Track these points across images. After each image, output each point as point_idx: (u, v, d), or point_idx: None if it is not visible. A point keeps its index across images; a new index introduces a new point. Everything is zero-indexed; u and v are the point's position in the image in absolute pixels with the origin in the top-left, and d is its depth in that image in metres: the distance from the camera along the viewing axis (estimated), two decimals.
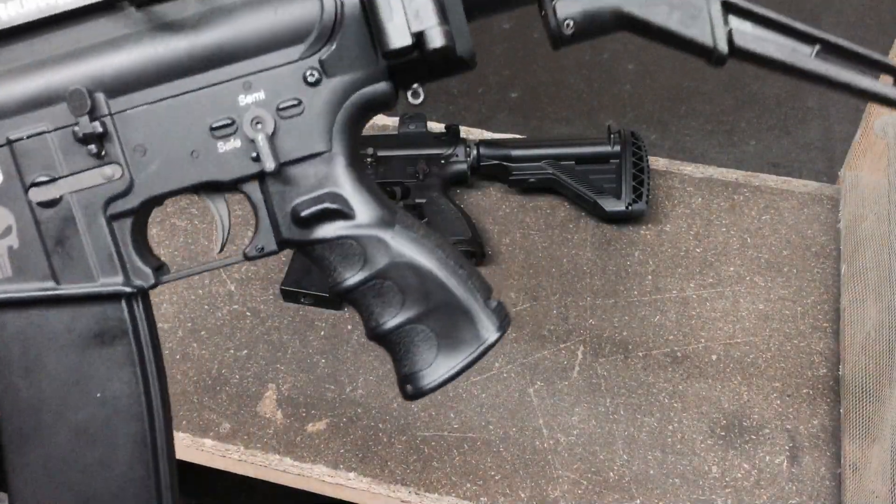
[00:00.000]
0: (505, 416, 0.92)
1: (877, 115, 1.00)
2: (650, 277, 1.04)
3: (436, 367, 0.53)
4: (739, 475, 0.87)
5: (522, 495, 0.86)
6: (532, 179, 1.10)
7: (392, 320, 0.53)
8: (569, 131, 1.89)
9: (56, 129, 0.50)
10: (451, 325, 0.53)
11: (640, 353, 0.97)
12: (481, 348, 0.53)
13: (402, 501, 0.87)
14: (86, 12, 0.49)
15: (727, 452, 0.89)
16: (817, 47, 0.51)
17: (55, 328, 0.53)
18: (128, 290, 0.52)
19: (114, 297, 0.52)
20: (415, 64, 0.49)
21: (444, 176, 1.10)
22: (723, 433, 0.90)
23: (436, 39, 0.46)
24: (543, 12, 0.50)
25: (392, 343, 0.54)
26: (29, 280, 0.52)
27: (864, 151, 1.06)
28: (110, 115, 0.50)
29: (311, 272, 1.03)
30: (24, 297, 0.52)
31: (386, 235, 0.52)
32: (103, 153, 0.50)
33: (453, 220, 1.06)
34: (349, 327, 1.01)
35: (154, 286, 0.54)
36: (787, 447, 0.89)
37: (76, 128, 0.49)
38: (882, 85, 0.52)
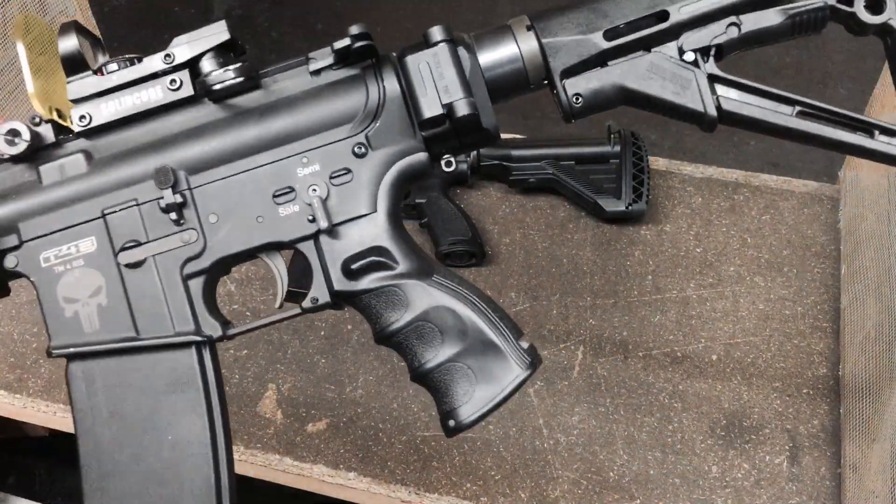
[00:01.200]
0: (505, 416, 0.92)
1: (877, 115, 1.00)
2: (650, 277, 1.04)
3: (474, 402, 0.59)
4: (739, 475, 0.87)
5: (522, 495, 0.86)
6: (532, 179, 1.11)
7: (434, 359, 0.59)
8: (569, 131, 1.89)
9: (144, 203, 0.58)
10: (486, 363, 0.59)
11: (640, 353, 0.97)
12: (514, 383, 0.60)
13: (402, 501, 0.87)
14: (171, 107, 0.58)
15: (727, 452, 0.89)
16: (797, 108, 0.58)
17: (135, 376, 0.59)
18: (198, 338, 0.59)
19: (186, 346, 0.59)
20: (446, 135, 0.58)
21: (444, 176, 1.10)
22: (723, 433, 0.90)
23: (462, 109, 0.56)
24: (555, 91, 0.58)
25: (434, 381, 0.60)
26: (114, 332, 0.58)
27: None
28: (189, 189, 0.58)
29: (311, 272, 1.03)
30: (110, 348, 0.58)
31: (425, 282, 0.59)
32: (182, 220, 0.58)
33: (453, 220, 1.06)
34: (349, 327, 1.01)
35: (222, 338, 0.60)
36: (787, 447, 0.89)
37: (160, 200, 0.57)
38: (858, 137, 0.59)
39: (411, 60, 0.57)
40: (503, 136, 1.17)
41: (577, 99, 0.58)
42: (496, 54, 0.58)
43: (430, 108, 0.56)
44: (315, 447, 0.91)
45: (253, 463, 0.90)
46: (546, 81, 0.58)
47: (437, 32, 0.57)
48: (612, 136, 1.09)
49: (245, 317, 1.02)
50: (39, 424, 1.03)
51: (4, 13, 1.21)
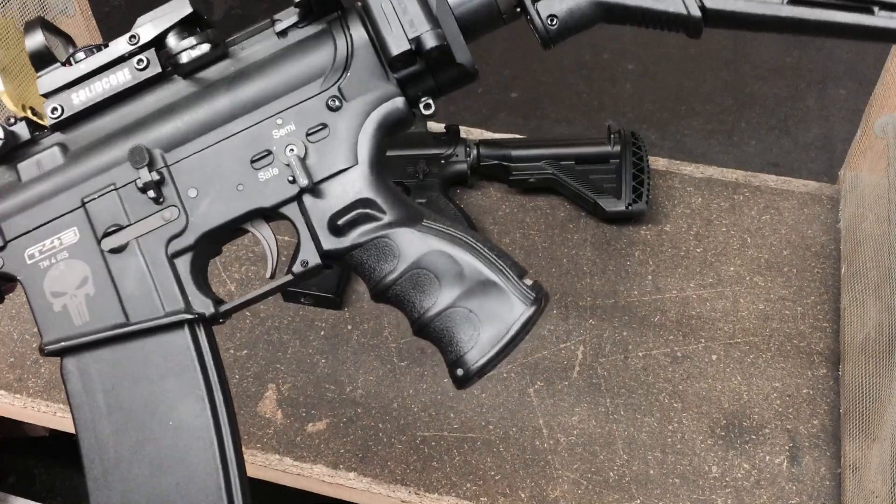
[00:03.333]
0: (505, 416, 0.92)
1: (877, 115, 1.00)
2: (650, 277, 1.04)
3: (481, 346, 0.56)
4: (739, 475, 0.87)
5: (522, 495, 0.86)
6: (532, 179, 1.10)
7: (433, 307, 0.57)
8: (569, 131, 1.89)
9: (123, 186, 0.57)
10: (488, 304, 0.56)
11: (640, 353, 0.97)
12: (520, 322, 0.56)
13: (402, 501, 0.87)
14: (141, 87, 0.57)
15: (727, 452, 0.89)
16: None
17: (129, 364, 0.57)
18: (189, 316, 0.57)
19: (178, 326, 0.57)
20: (420, 74, 0.56)
21: (444, 176, 1.10)
22: (723, 433, 0.90)
23: (430, 40, 0.53)
24: (528, 17, 0.56)
25: (437, 331, 0.57)
26: (104, 321, 0.57)
27: (864, 151, 1.06)
28: (166, 166, 0.57)
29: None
30: (101, 337, 0.57)
31: (415, 228, 0.57)
32: (162, 198, 0.56)
33: (453, 220, 1.06)
34: (349, 327, 1.01)
35: (216, 316, 0.58)
36: (787, 447, 0.89)
37: (137, 180, 0.56)
38: (856, 16, 0.53)
39: (373, 1, 0.55)
40: (503, 136, 1.18)
41: (552, 21, 0.55)
42: None
43: (397, 44, 0.54)
44: (315, 447, 0.91)
45: (253, 463, 0.90)
46: (518, 9, 0.56)
47: None
48: (612, 136, 1.09)
49: (244, 315, 1.02)
50: (39, 424, 1.03)
51: (4, 13, 1.21)
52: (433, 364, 0.97)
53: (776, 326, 0.98)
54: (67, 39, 0.59)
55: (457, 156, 1.11)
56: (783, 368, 0.95)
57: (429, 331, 0.58)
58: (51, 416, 0.96)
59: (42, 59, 0.57)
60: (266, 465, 0.89)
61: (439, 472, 0.88)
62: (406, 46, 0.54)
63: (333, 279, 1.02)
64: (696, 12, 0.53)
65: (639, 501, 0.86)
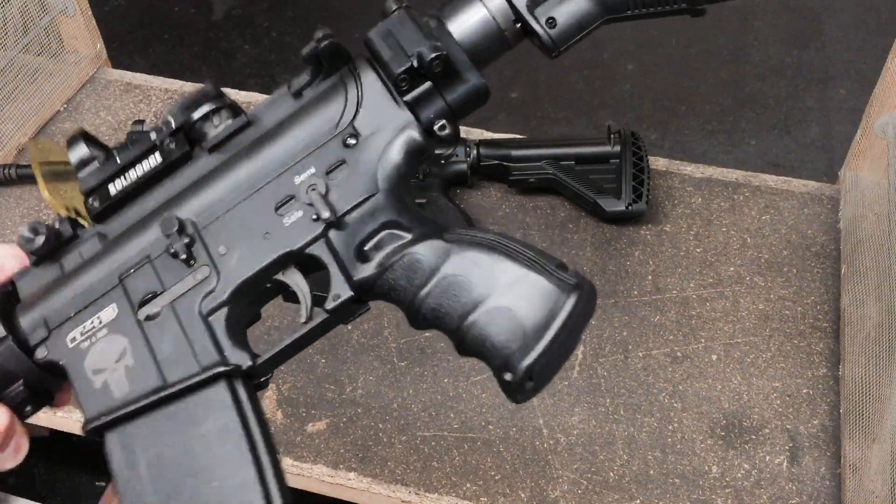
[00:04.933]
0: (505, 416, 0.92)
1: (877, 115, 1.00)
2: (650, 277, 1.04)
3: (526, 344, 0.53)
4: (739, 475, 0.87)
5: (522, 495, 0.86)
6: (532, 179, 1.10)
7: (470, 314, 0.55)
8: (569, 131, 1.89)
9: (157, 257, 0.58)
10: (525, 299, 0.54)
11: (640, 353, 0.97)
12: (564, 313, 0.53)
13: (402, 501, 0.87)
14: (172, 168, 0.59)
15: (727, 452, 0.89)
16: None
17: (170, 428, 0.57)
18: (225, 368, 0.56)
19: (215, 381, 0.56)
20: (429, 94, 0.57)
21: (444, 176, 1.10)
22: (723, 433, 0.90)
23: (429, 52, 0.54)
24: (528, 27, 0.55)
25: (478, 340, 0.55)
26: (143, 388, 0.57)
27: (864, 151, 1.06)
28: (196, 231, 0.58)
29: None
30: (141, 405, 0.56)
31: (440, 239, 0.57)
32: (192, 260, 0.57)
33: (453, 220, 1.06)
34: (349, 327, 1.01)
35: (253, 368, 0.57)
36: (787, 447, 0.89)
37: (169, 247, 0.57)
38: None
39: (374, 35, 0.56)
40: (503, 136, 1.18)
41: (551, 23, 0.55)
42: (466, 19, 0.57)
43: (398, 62, 0.55)
44: (315, 447, 0.91)
45: None
46: (518, 24, 0.56)
47: (392, 1, 0.56)
48: (612, 136, 1.09)
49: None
50: (39, 424, 1.03)
51: (4, 13, 1.21)
52: (433, 364, 0.97)
53: (776, 326, 0.98)
54: (107, 150, 0.61)
55: (457, 156, 1.11)
56: (783, 368, 0.95)
57: (470, 340, 0.55)
58: (51, 416, 0.96)
59: (85, 166, 0.59)
60: None
61: (439, 472, 0.88)
62: (406, 63, 0.55)
63: None
64: None
65: (639, 501, 0.86)
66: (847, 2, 2.16)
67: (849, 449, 0.85)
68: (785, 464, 0.88)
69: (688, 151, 1.84)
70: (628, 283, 1.03)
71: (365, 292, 0.58)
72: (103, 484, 1.34)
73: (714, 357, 0.96)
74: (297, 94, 0.58)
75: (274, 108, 0.59)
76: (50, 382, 0.59)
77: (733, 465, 0.88)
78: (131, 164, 0.59)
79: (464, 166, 1.10)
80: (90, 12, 1.33)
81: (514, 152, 1.11)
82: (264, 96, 1.20)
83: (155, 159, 0.58)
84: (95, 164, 0.59)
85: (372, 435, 0.91)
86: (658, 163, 1.17)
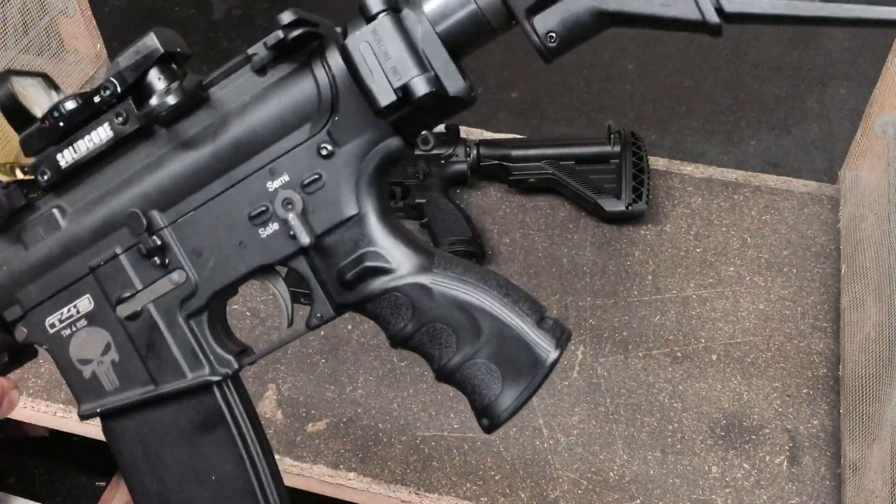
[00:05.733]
0: None
1: (877, 115, 1.00)
2: (650, 277, 1.04)
3: (504, 398, 0.55)
4: (739, 475, 0.87)
5: (522, 495, 0.86)
6: (532, 179, 1.10)
7: (453, 360, 0.55)
8: (569, 131, 1.89)
9: (125, 251, 0.56)
10: (509, 354, 0.55)
11: (640, 353, 0.97)
12: (543, 370, 0.55)
13: (402, 501, 0.87)
14: (126, 142, 0.55)
15: (727, 452, 0.89)
16: None
17: (164, 425, 0.58)
18: (214, 378, 0.57)
19: (205, 388, 0.57)
20: (413, 115, 0.52)
21: (444, 176, 1.10)
22: (723, 433, 0.90)
23: (420, 88, 0.49)
24: (526, 31, 0.51)
25: (459, 381, 0.56)
26: (133, 387, 0.57)
27: (864, 151, 1.06)
28: (165, 227, 0.55)
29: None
30: (132, 402, 0.57)
31: (426, 280, 0.55)
32: (167, 262, 0.55)
33: (453, 220, 1.06)
34: (349, 327, 1.01)
35: (238, 370, 0.58)
36: (787, 447, 0.89)
37: (140, 245, 0.55)
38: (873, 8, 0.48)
39: (351, 45, 0.50)
40: (503, 135, 1.18)
41: (551, 38, 0.50)
42: (444, 2, 0.50)
43: (383, 96, 0.49)
44: (315, 447, 0.91)
45: None
46: (514, 22, 0.51)
47: (374, 4, 0.50)
48: (612, 136, 1.09)
49: (245, 316, 1.02)
50: (39, 424, 1.03)
51: (4, 13, 1.21)
52: None
53: (776, 326, 0.98)
54: (45, 78, 0.57)
55: (457, 156, 1.11)
56: (783, 368, 0.95)
57: (450, 381, 0.57)
58: (51, 416, 0.96)
59: (19, 116, 0.55)
60: None
61: (439, 472, 0.88)
62: (392, 98, 0.50)
63: None
64: (714, 18, 0.48)
65: (639, 501, 0.86)
66: (847, 1, 2.16)
67: (849, 449, 0.85)
68: (785, 464, 0.88)
69: (688, 151, 1.84)
70: (628, 283, 1.03)
71: (347, 311, 0.58)
72: (103, 484, 1.34)
73: (714, 357, 0.96)
74: (260, 71, 0.53)
75: (235, 84, 0.54)
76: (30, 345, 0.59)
77: (733, 465, 0.88)
78: (76, 128, 0.54)
79: (464, 166, 1.10)
80: (90, 12, 1.33)
81: (514, 152, 1.11)
82: None
83: (105, 132, 0.54)
84: (37, 125, 0.54)
85: (372, 435, 0.91)
86: (658, 163, 1.17)
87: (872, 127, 1.00)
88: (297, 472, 0.89)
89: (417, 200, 1.07)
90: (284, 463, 0.89)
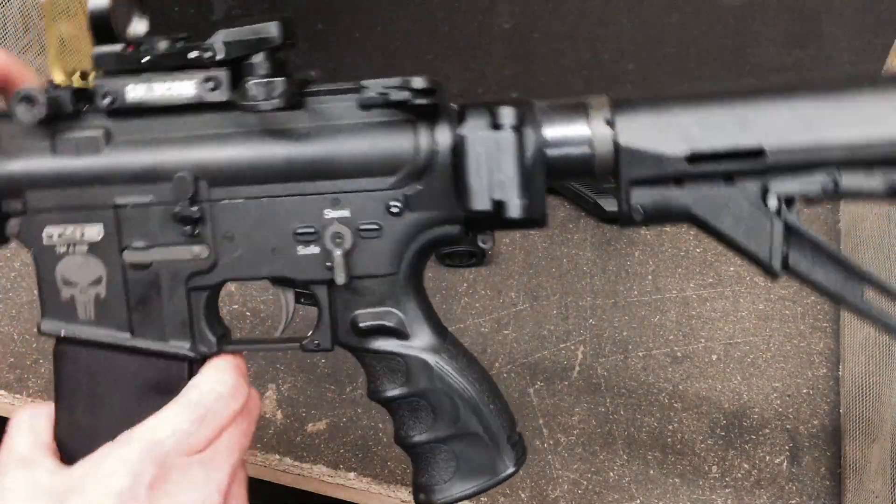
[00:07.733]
0: None
1: None
2: (650, 277, 1.04)
3: (450, 486, 0.58)
4: (739, 475, 0.87)
5: (522, 495, 0.86)
6: None
7: (419, 436, 0.58)
8: None
9: (159, 205, 0.55)
10: (472, 453, 0.58)
11: (640, 353, 0.97)
12: (496, 479, 0.59)
13: (402, 501, 0.87)
14: (204, 107, 0.54)
15: (727, 452, 0.89)
16: (867, 287, 0.53)
17: (122, 372, 0.58)
18: (192, 355, 0.58)
19: (179, 359, 0.58)
20: (490, 222, 0.54)
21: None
22: (723, 433, 0.90)
23: (513, 211, 0.51)
24: (619, 193, 0.53)
25: (415, 454, 0.59)
26: (108, 327, 0.57)
27: None
28: (208, 201, 0.55)
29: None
30: (100, 341, 0.57)
31: (431, 360, 0.57)
32: (196, 233, 0.55)
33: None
34: None
35: (217, 353, 0.59)
36: (787, 447, 0.89)
37: (177, 208, 0.54)
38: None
39: (470, 139, 0.51)
40: None
41: (638, 211, 0.52)
42: (564, 134, 0.52)
43: (478, 200, 0.51)
44: (315, 447, 0.91)
45: (253, 463, 0.90)
46: (611, 177, 0.54)
47: (507, 115, 0.51)
48: None
49: (245, 316, 1.02)
50: None
51: (4, 13, 1.21)
52: None
53: (776, 326, 0.98)
54: (139, 6, 0.57)
55: None
56: (783, 368, 0.95)
57: (408, 451, 0.60)
58: None
59: (102, 30, 0.54)
60: (266, 465, 0.89)
61: None
62: (486, 207, 0.51)
63: None
64: (777, 267, 0.52)
65: (639, 501, 0.86)
66: (847, 2, 2.16)
67: (849, 449, 0.85)
68: (785, 464, 0.88)
69: None
70: (628, 283, 1.03)
71: (345, 348, 0.59)
72: None
73: (714, 357, 0.96)
74: (365, 107, 0.52)
75: (335, 104, 0.54)
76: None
77: (733, 465, 0.88)
78: (159, 70, 0.53)
79: None
80: None
81: None
82: None
83: (188, 88, 0.53)
84: (119, 47, 0.54)
85: (372, 435, 0.91)
86: None
87: None
88: (297, 472, 0.89)
89: None
90: (284, 463, 0.89)
